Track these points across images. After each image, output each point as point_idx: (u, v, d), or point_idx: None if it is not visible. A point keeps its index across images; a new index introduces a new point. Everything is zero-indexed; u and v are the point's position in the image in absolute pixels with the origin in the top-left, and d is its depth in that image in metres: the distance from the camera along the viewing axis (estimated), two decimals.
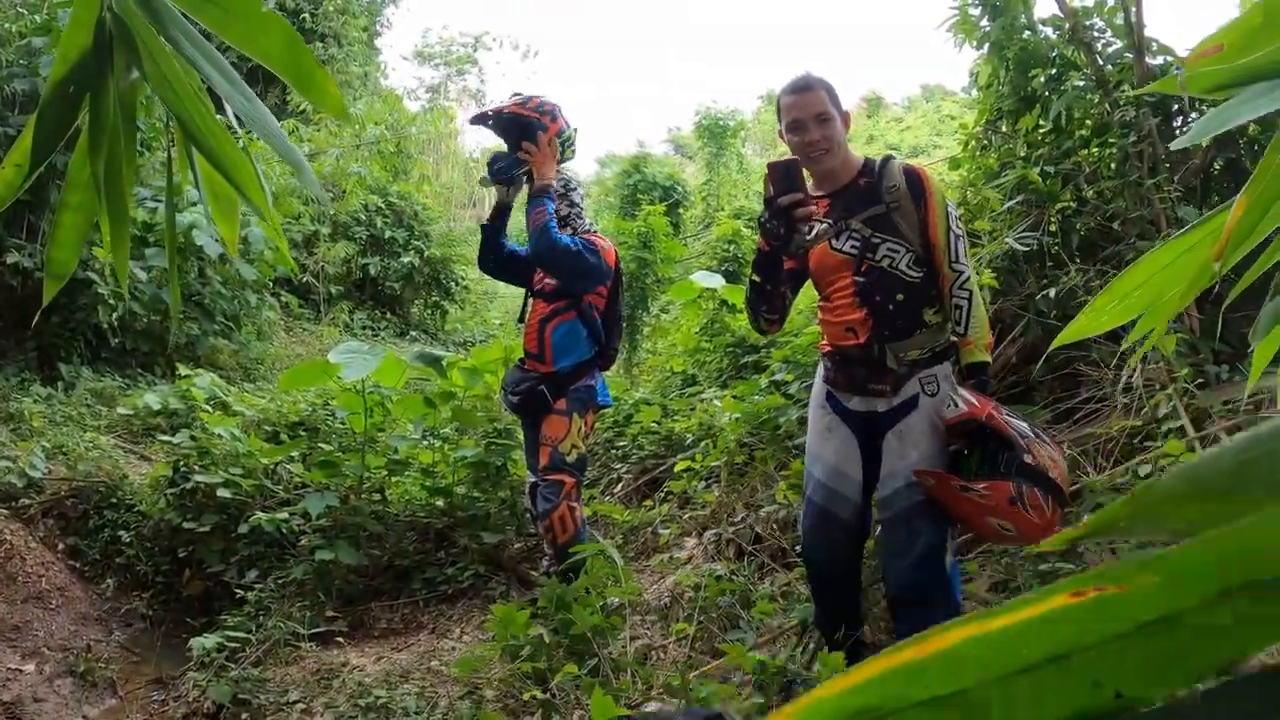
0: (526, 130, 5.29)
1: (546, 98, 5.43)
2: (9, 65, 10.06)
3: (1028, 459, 3.40)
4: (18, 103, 10.01)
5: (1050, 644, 0.44)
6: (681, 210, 20.56)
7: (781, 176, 3.48)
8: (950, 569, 3.74)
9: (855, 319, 3.78)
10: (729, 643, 4.07)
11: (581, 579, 4.68)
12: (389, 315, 16.78)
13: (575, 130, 5.54)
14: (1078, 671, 0.44)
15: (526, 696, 4.24)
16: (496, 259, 5.63)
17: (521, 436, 5.98)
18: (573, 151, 5.55)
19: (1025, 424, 3.53)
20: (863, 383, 3.82)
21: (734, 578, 4.99)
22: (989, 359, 3.72)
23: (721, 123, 25.40)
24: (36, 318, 7.99)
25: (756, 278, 3.77)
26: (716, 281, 8.31)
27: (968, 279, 3.70)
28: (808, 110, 3.71)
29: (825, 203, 3.79)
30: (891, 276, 3.71)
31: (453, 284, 17.52)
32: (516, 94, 5.44)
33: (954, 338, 3.74)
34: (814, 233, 3.70)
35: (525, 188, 5.47)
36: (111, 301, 10.21)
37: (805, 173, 3.67)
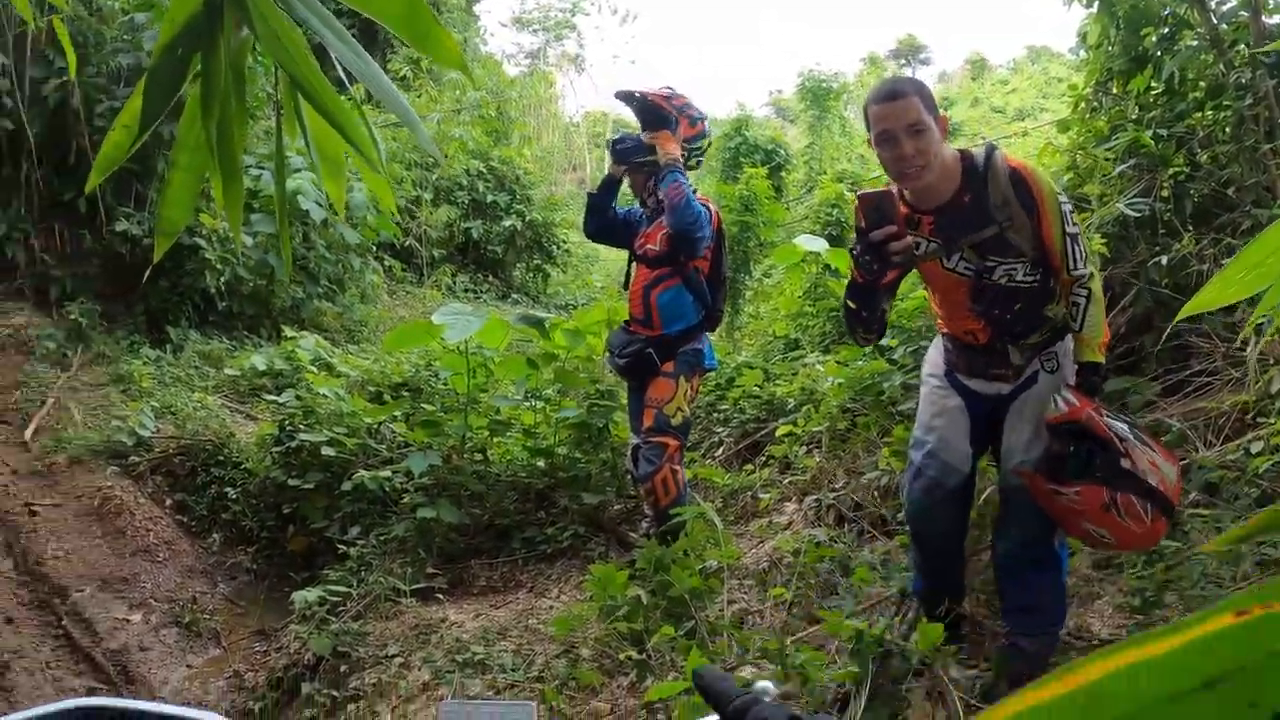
0: (662, 122, 5.41)
1: (695, 104, 5.57)
2: (113, 41, 10.29)
3: (1124, 463, 3.26)
4: (123, 77, 10.23)
5: (1205, 668, 0.41)
6: (784, 174, 20.42)
7: (873, 209, 3.32)
8: (1059, 545, 3.68)
9: (975, 328, 3.68)
10: (826, 609, 4.05)
11: (681, 541, 4.69)
12: (491, 278, 16.84)
13: (709, 142, 5.70)
14: (1234, 694, 0.41)
15: (622, 656, 4.27)
16: (599, 225, 5.71)
17: (624, 398, 6.02)
18: (697, 162, 5.62)
19: (1126, 426, 3.37)
20: (984, 369, 3.73)
21: (833, 544, 4.96)
22: (1102, 359, 3.54)
23: (824, 85, 25.14)
24: (145, 277, 8.21)
25: (852, 304, 3.63)
26: (820, 245, 8.23)
27: (1088, 278, 3.51)
28: (899, 121, 3.35)
29: (929, 221, 3.57)
30: (1009, 290, 3.56)
31: (554, 247, 17.53)
32: (668, 87, 5.60)
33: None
34: (922, 250, 3.56)
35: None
36: (218, 266, 10.40)
37: (902, 193, 3.54)
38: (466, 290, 15.81)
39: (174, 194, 1.73)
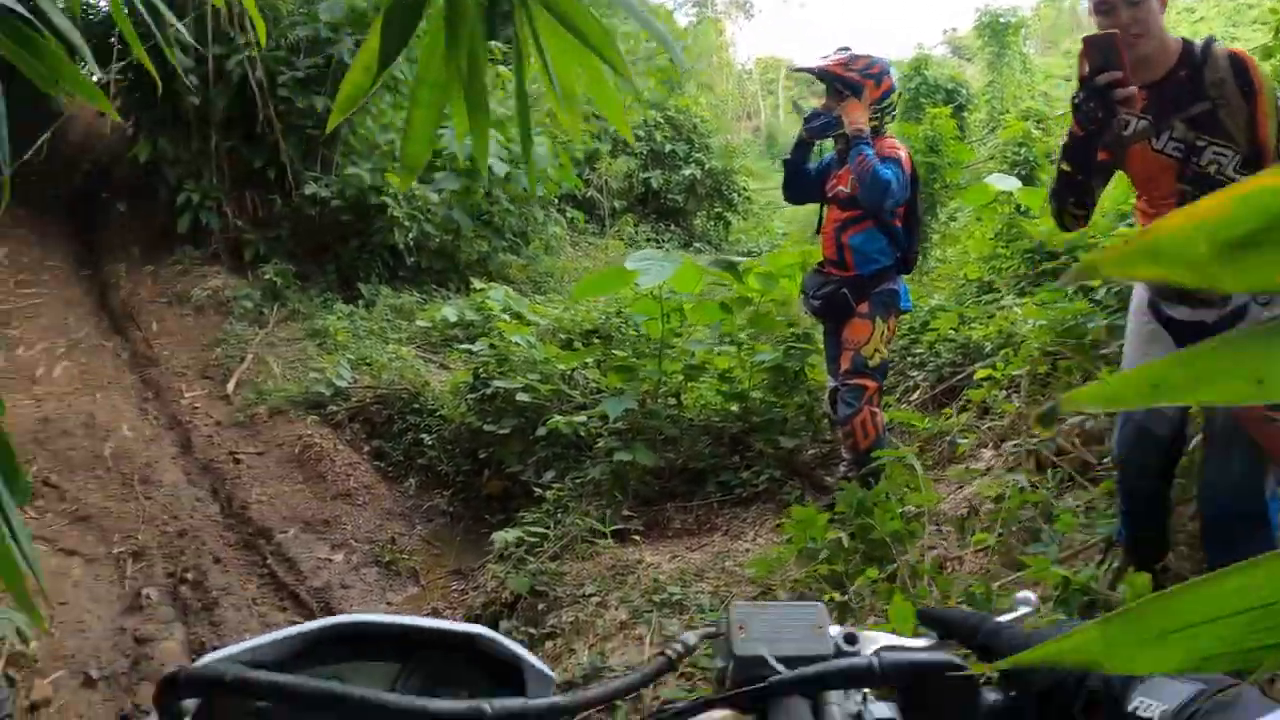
0: (848, 89, 5.32)
1: (876, 58, 5.43)
2: (289, 15, 10.69)
3: None
4: (301, 48, 10.61)
5: None
6: (965, 114, 19.92)
7: (1098, 53, 3.15)
8: (1270, 496, 3.49)
9: None
10: (1030, 555, 3.95)
11: (881, 484, 4.62)
12: (672, 227, 16.84)
13: (898, 94, 5.62)
14: None
15: (826, 598, 4.23)
16: (798, 189, 5.68)
17: (820, 341, 5.96)
18: (892, 117, 5.55)
19: None
20: (1190, 292, 3.56)
21: (1035, 490, 4.82)
22: None
23: (1002, 20, 24.42)
24: (336, 237, 8.40)
25: (1066, 167, 3.44)
26: (1012, 184, 7.97)
27: None
28: None
29: (1142, 95, 3.38)
30: (1217, 183, 3.29)
31: (735, 195, 17.45)
32: (844, 48, 5.47)
33: None
34: (1131, 128, 3.40)
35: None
36: (406, 223, 10.82)
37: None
38: (648, 240, 15.85)
39: (415, 130, 1.76)
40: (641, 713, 4.02)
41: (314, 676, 0.95)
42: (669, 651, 1.12)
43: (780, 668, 1.04)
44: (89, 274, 11.23)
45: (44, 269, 10.73)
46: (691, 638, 1.14)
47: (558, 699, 1.00)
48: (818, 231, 5.66)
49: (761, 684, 1.02)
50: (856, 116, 5.23)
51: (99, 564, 6.35)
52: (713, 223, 17.46)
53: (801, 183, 5.62)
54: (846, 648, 1.06)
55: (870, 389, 5.27)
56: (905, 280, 5.59)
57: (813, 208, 5.75)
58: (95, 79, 14.36)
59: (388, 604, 6.26)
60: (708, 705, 1.04)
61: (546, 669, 1.32)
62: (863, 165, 5.13)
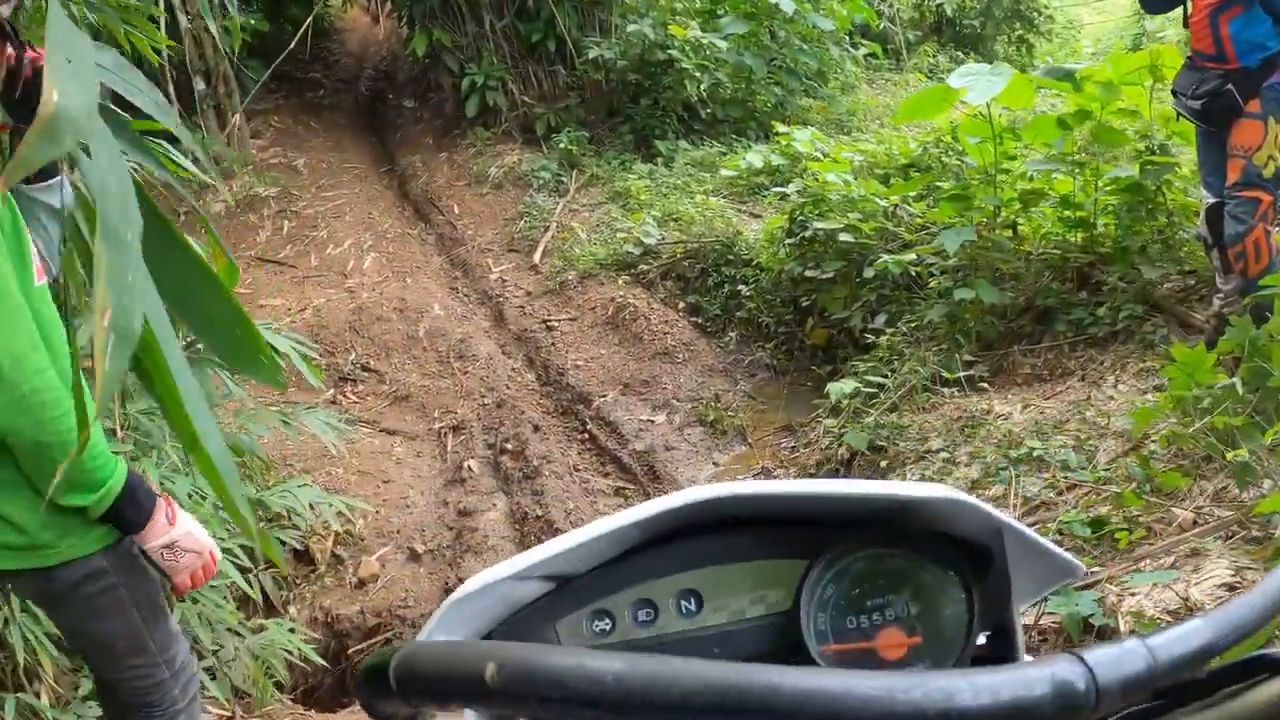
0: None
1: None
2: None
3: None
4: None
5: None
6: None
7: None
8: None
9: None
10: None
11: (1276, 319, 3.95)
12: (972, 55, 15.74)
13: None
14: None
15: (1230, 456, 3.59)
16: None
17: (1180, 153, 5.25)
18: None
19: None
20: None
21: None
22: None
23: None
24: (627, 98, 8.08)
25: None
26: None
27: None
28: None
29: None
30: None
31: (1035, 15, 16.18)
32: None
33: None
34: None
35: None
36: (696, 74, 10.61)
37: None
38: (948, 71, 14.89)
39: None
40: None
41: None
42: None
43: None
44: (387, 170, 11.59)
45: (343, 172, 11.11)
46: None
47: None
48: (1184, 24, 4.90)
49: None
50: None
51: (420, 441, 6.55)
52: (1014, 47, 16.20)
53: None
54: None
55: (1265, 202, 4.56)
56: None
57: (1124, 23, 5.03)
58: None
59: (714, 464, 6.14)
60: None
61: (1068, 556, 0.89)
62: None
